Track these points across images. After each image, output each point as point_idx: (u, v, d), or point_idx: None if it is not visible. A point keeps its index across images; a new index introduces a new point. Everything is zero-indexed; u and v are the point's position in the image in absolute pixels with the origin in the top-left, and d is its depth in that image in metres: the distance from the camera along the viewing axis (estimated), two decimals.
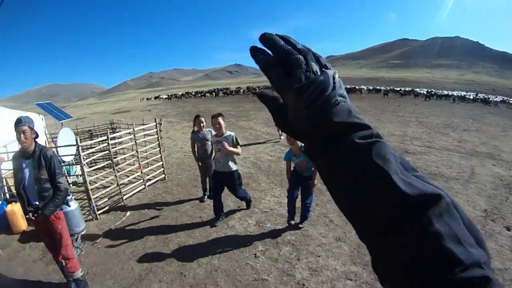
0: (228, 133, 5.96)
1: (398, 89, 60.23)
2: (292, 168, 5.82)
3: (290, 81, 0.62)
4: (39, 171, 3.99)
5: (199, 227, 6.20)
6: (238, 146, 5.97)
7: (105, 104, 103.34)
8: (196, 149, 7.26)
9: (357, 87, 61.96)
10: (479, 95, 54.00)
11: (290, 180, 5.83)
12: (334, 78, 0.63)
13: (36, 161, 4.00)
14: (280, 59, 0.64)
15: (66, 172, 8.54)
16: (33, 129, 4.02)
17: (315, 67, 0.63)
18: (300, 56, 0.63)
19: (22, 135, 3.88)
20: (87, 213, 7.09)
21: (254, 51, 0.66)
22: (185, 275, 4.68)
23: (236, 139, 5.94)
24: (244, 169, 9.89)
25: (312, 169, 5.57)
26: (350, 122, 0.59)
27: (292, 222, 5.94)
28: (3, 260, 5.70)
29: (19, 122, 3.91)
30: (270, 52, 0.65)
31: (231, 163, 5.94)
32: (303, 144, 5.47)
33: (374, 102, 37.85)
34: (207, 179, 7.44)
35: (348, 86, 61.49)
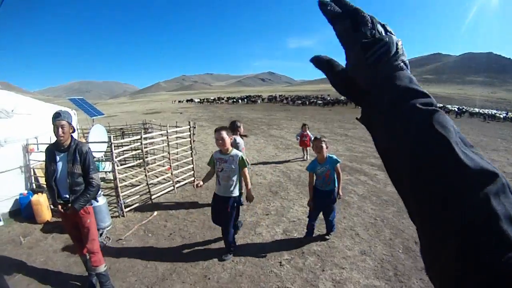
0: (235, 152, 5.15)
1: None
2: (313, 183, 5.72)
3: (356, 36, 0.65)
4: (73, 166, 4.06)
5: None
6: (246, 169, 5.21)
7: (137, 104, 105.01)
8: None
9: None
10: (509, 114, 52.91)
11: (311, 191, 5.72)
12: (397, 43, 0.65)
13: (71, 155, 4.06)
14: (348, 14, 0.66)
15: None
16: (71, 124, 4.10)
17: (381, 28, 0.66)
18: (367, 15, 0.66)
19: (60, 129, 3.95)
20: (114, 209, 7.20)
21: (321, 2, 0.67)
22: (209, 278, 4.69)
23: (243, 160, 5.14)
24: (273, 177, 9.96)
25: (336, 179, 5.54)
26: (412, 88, 0.61)
27: (305, 239, 5.86)
28: (24, 248, 5.82)
29: (58, 116, 3.97)
30: (337, 8, 0.67)
31: (234, 188, 5.13)
32: (329, 155, 5.32)
33: None
34: None
35: None
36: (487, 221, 0.47)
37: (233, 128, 7.04)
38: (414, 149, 0.56)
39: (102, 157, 9.11)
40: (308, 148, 12.20)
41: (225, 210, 5.13)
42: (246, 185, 5.25)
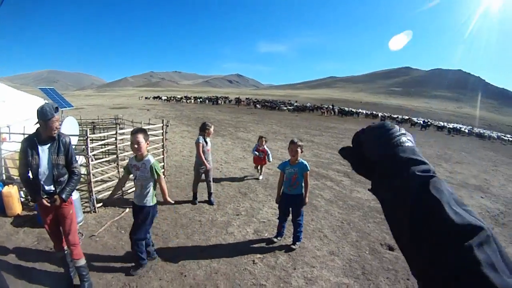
0: (147, 158, 4.56)
1: (396, 116, 61.04)
2: (281, 189, 5.84)
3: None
4: (58, 157, 4.04)
5: (198, 230, 6.30)
6: (162, 177, 4.69)
7: (103, 97, 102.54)
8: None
9: (354, 110, 62.64)
10: (475, 129, 54.79)
11: (279, 189, 5.87)
12: (401, 129, 0.89)
13: (56, 147, 4.05)
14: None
15: None
16: None
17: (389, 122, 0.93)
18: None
19: (57, 123, 4.00)
20: (85, 204, 7.06)
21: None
22: (185, 275, 4.75)
23: (156, 169, 4.55)
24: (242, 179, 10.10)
25: (303, 184, 5.64)
26: (413, 158, 0.79)
27: (275, 239, 5.97)
28: None
29: (57, 110, 4.03)
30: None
31: (148, 197, 4.63)
32: (302, 160, 5.47)
33: None
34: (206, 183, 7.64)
35: (346, 109, 62.20)
36: (470, 267, 0.59)
37: (202, 128, 7.30)
38: (413, 209, 0.71)
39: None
40: (264, 165, 10.58)
41: (140, 219, 4.68)
42: (163, 193, 4.76)
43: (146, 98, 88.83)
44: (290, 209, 5.82)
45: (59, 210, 4.20)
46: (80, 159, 8.89)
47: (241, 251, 5.55)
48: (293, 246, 5.80)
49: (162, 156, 9.52)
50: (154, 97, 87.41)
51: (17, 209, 6.63)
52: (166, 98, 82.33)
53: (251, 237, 6.12)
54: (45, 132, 3.99)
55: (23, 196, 7.00)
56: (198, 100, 74.41)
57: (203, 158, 7.32)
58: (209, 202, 7.68)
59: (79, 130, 8.70)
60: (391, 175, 0.79)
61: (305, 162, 5.67)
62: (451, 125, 57.33)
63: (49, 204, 4.05)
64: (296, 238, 5.85)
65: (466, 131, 52.32)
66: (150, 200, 4.64)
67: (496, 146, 37.88)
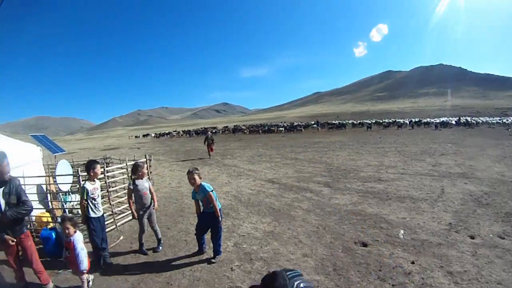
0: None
1: (381, 121, 60.82)
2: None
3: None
4: (9, 197, 4.50)
5: (184, 248, 6.92)
6: None
7: (94, 140, 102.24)
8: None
9: (336, 122, 63.57)
10: (462, 119, 54.89)
11: (198, 215, 6.49)
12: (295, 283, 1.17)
13: (8, 188, 4.54)
14: None
15: (63, 200, 9.16)
16: None
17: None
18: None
19: (7, 168, 4.59)
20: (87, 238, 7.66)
21: None
22: (171, 284, 5.39)
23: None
24: (226, 202, 10.59)
25: (211, 205, 6.07)
26: None
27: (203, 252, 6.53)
28: None
29: (5, 157, 4.55)
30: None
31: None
32: (203, 183, 6.03)
33: (356, 136, 39.03)
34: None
35: (334, 122, 62.36)
36: None
37: (134, 171, 7.03)
38: None
39: (69, 190, 9.48)
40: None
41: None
42: None
43: (136, 137, 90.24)
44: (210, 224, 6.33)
45: (19, 243, 4.72)
46: (73, 197, 9.46)
47: (221, 261, 6.16)
48: (213, 260, 6.17)
49: None
50: (144, 135, 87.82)
51: None
52: (155, 134, 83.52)
53: (231, 249, 6.69)
54: None
55: None
56: (187, 134, 75.24)
57: (131, 205, 7.04)
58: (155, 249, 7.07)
59: (76, 170, 9.28)
60: None
61: (205, 185, 6.09)
62: (437, 120, 58.01)
63: (12, 242, 4.58)
64: (216, 252, 6.31)
65: (453, 122, 52.26)
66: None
67: (483, 132, 38.59)
